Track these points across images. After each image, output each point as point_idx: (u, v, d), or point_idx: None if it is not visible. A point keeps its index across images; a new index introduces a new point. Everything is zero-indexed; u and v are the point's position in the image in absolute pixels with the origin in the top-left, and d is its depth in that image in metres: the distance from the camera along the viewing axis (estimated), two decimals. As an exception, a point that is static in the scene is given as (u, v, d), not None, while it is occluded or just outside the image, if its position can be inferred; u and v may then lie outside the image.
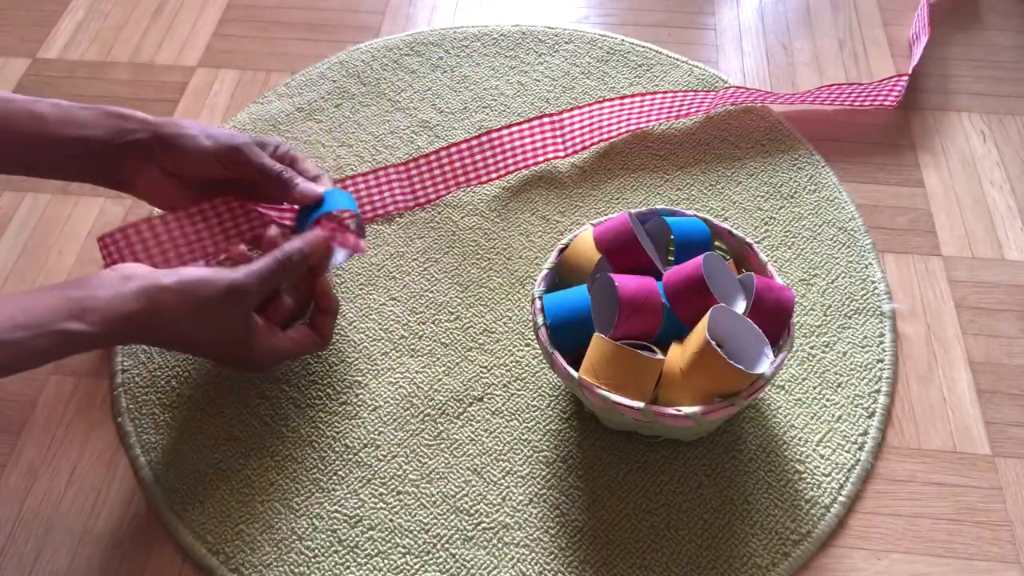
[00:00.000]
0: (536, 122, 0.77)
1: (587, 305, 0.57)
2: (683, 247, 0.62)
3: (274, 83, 0.86)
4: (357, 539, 0.57)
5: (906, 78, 0.82)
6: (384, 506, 0.59)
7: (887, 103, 0.82)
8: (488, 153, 0.76)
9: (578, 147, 0.78)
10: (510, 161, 0.76)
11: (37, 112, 0.58)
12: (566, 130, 0.77)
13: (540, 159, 0.77)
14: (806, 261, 0.71)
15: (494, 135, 0.76)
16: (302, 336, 0.61)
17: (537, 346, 0.66)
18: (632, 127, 0.79)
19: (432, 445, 0.62)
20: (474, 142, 0.76)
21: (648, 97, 0.79)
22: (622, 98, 0.79)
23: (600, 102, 0.79)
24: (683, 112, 0.80)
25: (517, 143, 0.76)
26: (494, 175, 0.76)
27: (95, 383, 0.65)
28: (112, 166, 0.60)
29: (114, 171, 0.61)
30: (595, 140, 0.78)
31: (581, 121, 0.78)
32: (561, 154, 0.77)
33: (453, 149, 0.75)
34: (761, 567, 0.56)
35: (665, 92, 0.80)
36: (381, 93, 0.84)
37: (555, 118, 0.77)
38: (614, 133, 0.79)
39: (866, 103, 0.82)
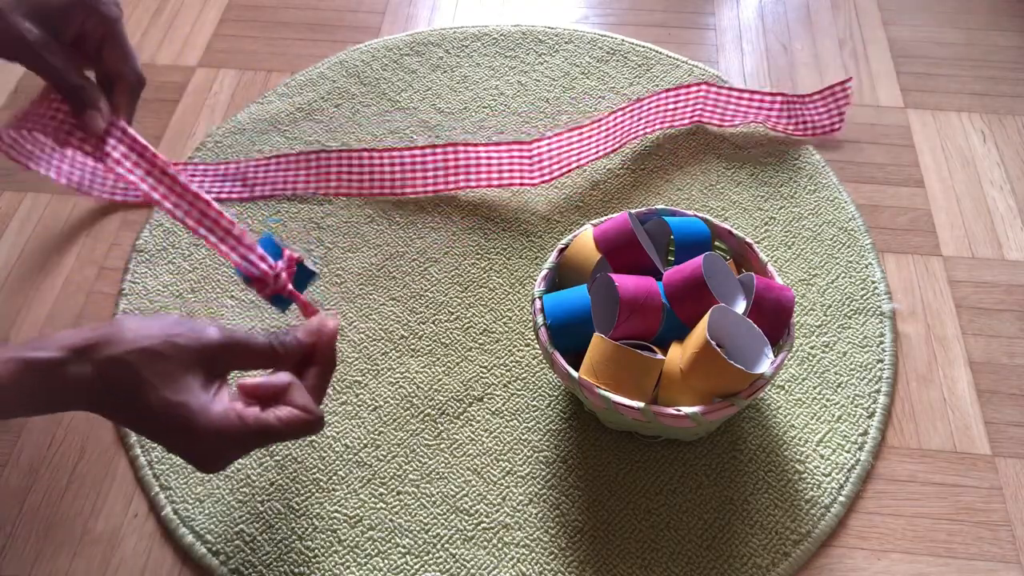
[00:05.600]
0: (506, 147, 0.76)
1: (587, 305, 0.57)
2: (683, 247, 0.62)
3: (274, 83, 0.86)
4: (357, 539, 0.57)
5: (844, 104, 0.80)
6: (384, 506, 0.59)
7: (832, 129, 0.80)
8: (451, 165, 0.75)
9: (549, 175, 0.76)
10: (472, 178, 0.75)
11: None
12: (534, 157, 0.76)
13: (505, 182, 0.75)
14: (806, 261, 0.71)
15: (460, 148, 0.76)
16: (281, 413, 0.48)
17: (537, 346, 0.66)
18: (605, 150, 0.77)
19: (432, 445, 0.61)
20: (439, 150, 0.75)
21: (614, 117, 0.77)
22: (587, 126, 0.77)
23: (565, 132, 0.77)
24: (649, 127, 0.78)
25: (483, 162, 0.76)
26: (452, 186, 0.75)
27: (95, 383, 0.65)
28: None
29: None
30: (565, 169, 0.76)
31: (550, 148, 0.76)
32: (531, 182, 0.75)
33: (415, 152, 0.76)
34: (761, 567, 0.56)
35: (628, 106, 0.78)
36: (381, 93, 0.84)
37: (528, 146, 0.76)
38: (580, 160, 0.76)
39: (808, 133, 0.80)
